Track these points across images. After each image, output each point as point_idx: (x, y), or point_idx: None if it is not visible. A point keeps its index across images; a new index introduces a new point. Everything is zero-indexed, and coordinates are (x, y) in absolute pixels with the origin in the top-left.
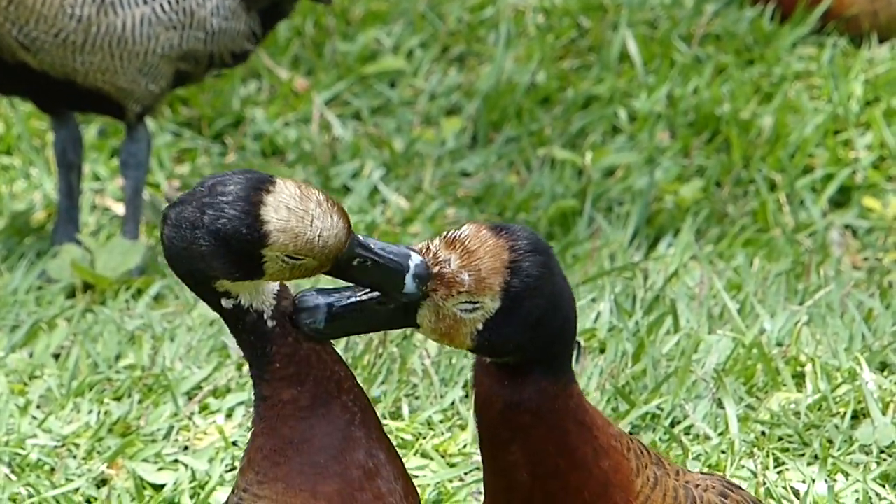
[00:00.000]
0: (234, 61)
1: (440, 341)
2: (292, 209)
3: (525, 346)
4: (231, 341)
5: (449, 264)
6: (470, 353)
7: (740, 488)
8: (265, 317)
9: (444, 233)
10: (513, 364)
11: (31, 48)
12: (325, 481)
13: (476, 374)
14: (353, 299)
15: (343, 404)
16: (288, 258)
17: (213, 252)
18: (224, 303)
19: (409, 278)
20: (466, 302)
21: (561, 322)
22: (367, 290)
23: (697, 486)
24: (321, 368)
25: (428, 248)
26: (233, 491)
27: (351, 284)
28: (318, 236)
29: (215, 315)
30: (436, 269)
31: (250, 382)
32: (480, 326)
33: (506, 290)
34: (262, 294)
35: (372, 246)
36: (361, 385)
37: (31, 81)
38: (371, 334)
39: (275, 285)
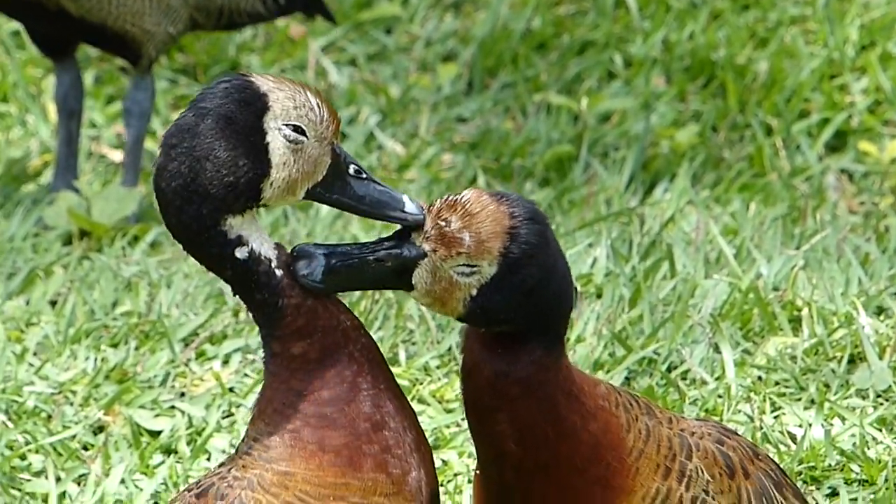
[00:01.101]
0: (247, 20)
1: (432, 307)
2: (278, 79)
3: (516, 317)
4: (228, 287)
5: (450, 224)
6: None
7: (737, 434)
8: (273, 266)
9: (446, 196)
10: (509, 334)
11: None
12: (333, 434)
13: (465, 340)
14: (352, 259)
15: (350, 354)
16: (290, 132)
17: (218, 143)
18: (238, 253)
19: (408, 200)
20: (464, 265)
21: (553, 294)
22: (367, 248)
23: (693, 433)
24: (328, 319)
25: (430, 208)
26: (243, 440)
27: (350, 243)
28: (309, 100)
29: None
30: (437, 228)
31: (247, 329)
32: (475, 292)
33: (504, 256)
34: (264, 238)
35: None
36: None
37: (65, 26)
38: None
39: (270, 240)
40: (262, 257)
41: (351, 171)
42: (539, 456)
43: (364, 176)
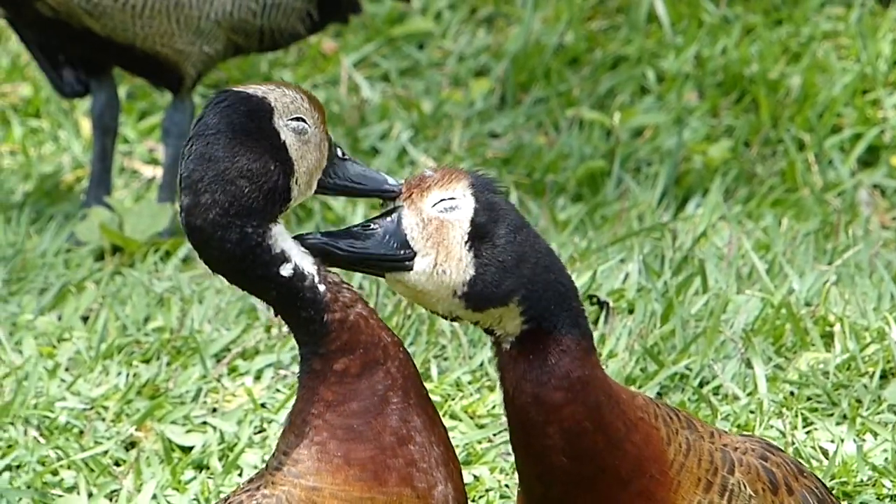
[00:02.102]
0: (289, 39)
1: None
2: (259, 84)
3: (518, 288)
4: (260, 303)
5: (422, 174)
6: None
7: (781, 450)
8: (316, 282)
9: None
10: (537, 339)
11: (95, 13)
12: (358, 447)
13: (501, 368)
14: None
15: (386, 370)
16: (295, 124)
17: (245, 157)
18: (283, 270)
19: (386, 176)
20: (441, 200)
21: (543, 270)
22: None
23: (736, 448)
24: (370, 335)
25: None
26: (273, 454)
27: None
28: (294, 94)
29: None
30: (407, 185)
31: (278, 345)
32: (467, 236)
33: (473, 187)
34: (302, 252)
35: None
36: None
37: (93, 46)
38: (400, 297)
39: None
40: (306, 272)
41: (339, 153)
42: (586, 467)
43: (347, 157)
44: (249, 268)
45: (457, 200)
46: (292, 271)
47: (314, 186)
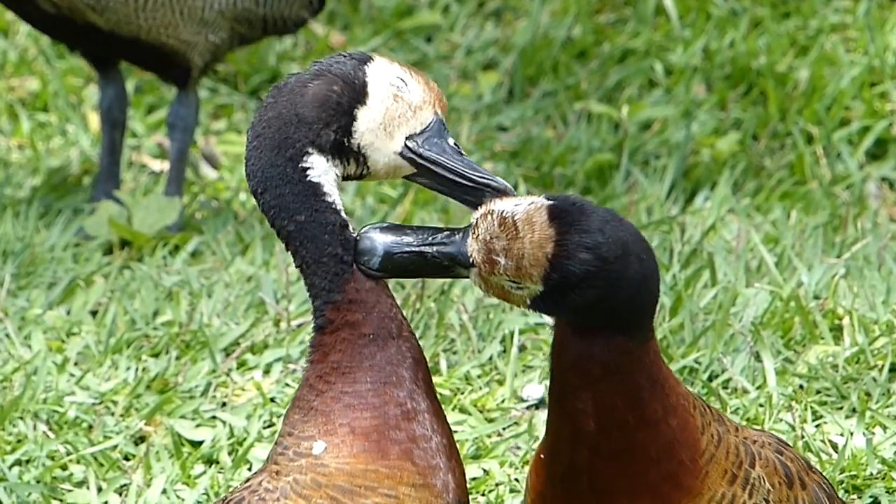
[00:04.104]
0: (292, 26)
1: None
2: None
3: (582, 319)
4: (269, 297)
5: (494, 242)
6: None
7: (790, 446)
8: (350, 226)
9: (505, 206)
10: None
11: (97, 8)
12: (363, 415)
13: (557, 321)
14: (410, 248)
15: (399, 347)
16: (393, 77)
17: (313, 81)
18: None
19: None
20: (510, 281)
21: (624, 300)
22: (426, 239)
23: (755, 441)
24: (387, 305)
25: (488, 213)
26: (275, 443)
27: (416, 227)
28: (404, 70)
29: (252, 271)
30: (484, 241)
31: (287, 339)
32: (529, 301)
33: (545, 281)
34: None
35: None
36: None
37: (99, 39)
38: (409, 289)
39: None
40: (341, 210)
41: (451, 141)
42: (615, 440)
43: (460, 148)
44: (288, 181)
45: (525, 286)
46: (333, 199)
47: (398, 140)
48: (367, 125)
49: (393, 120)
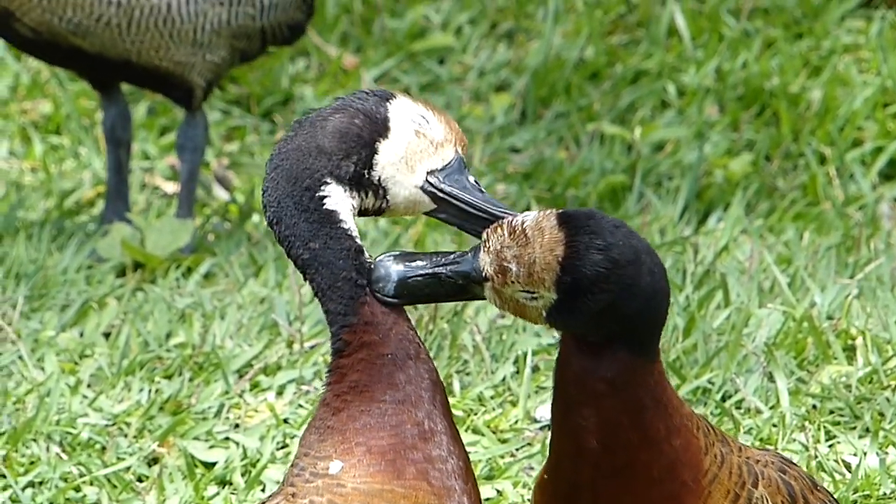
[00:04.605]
0: (290, 34)
1: (513, 314)
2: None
3: (597, 331)
4: (282, 318)
5: (504, 251)
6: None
7: (795, 464)
8: (365, 252)
9: (515, 218)
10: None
11: (78, 32)
12: (380, 434)
13: (563, 335)
14: (424, 271)
15: (416, 368)
16: (415, 115)
17: (336, 114)
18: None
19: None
20: (523, 291)
21: (636, 310)
22: (439, 262)
23: (758, 461)
24: (403, 327)
25: (498, 227)
26: (291, 465)
27: (423, 253)
28: (427, 109)
29: (265, 292)
30: (495, 252)
31: (300, 360)
32: (545, 312)
33: (558, 285)
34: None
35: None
36: None
37: (89, 63)
38: (422, 311)
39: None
40: (355, 235)
41: (471, 179)
42: (618, 459)
43: (479, 185)
44: (306, 210)
45: (538, 294)
46: (348, 226)
47: (419, 174)
48: (389, 158)
49: (414, 154)
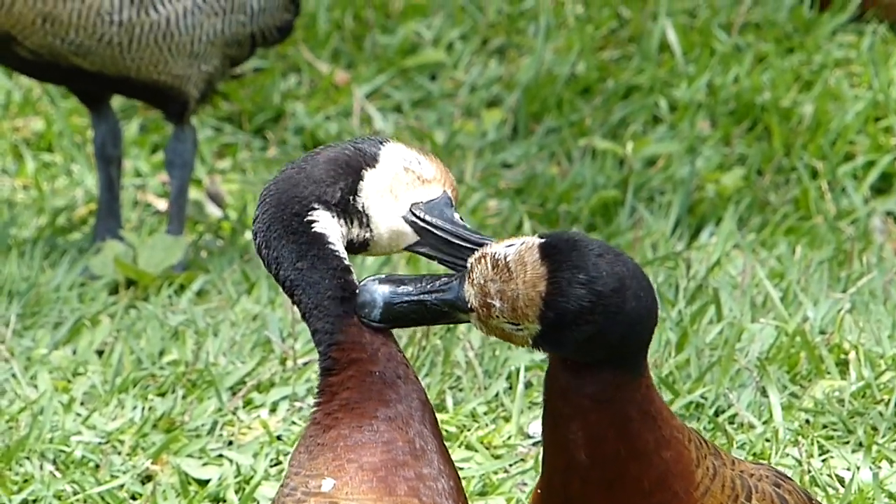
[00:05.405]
0: (280, 35)
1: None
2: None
3: (585, 355)
4: (275, 335)
5: (488, 285)
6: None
7: (790, 478)
8: (352, 271)
9: (498, 249)
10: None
11: (79, 53)
12: (371, 450)
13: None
14: (410, 297)
15: (407, 390)
16: (406, 155)
17: (327, 150)
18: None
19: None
20: (508, 323)
21: (620, 337)
22: (426, 287)
23: (752, 475)
24: (391, 347)
25: (482, 257)
26: (281, 484)
27: (410, 276)
28: (420, 155)
29: (258, 309)
30: (479, 285)
31: (294, 377)
32: (531, 341)
33: (542, 320)
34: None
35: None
36: None
37: (88, 81)
38: (415, 328)
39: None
40: (343, 256)
41: (457, 216)
42: (607, 472)
43: (466, 225)
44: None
45: (524, 326)
46: (336, 248)
47: (403, 203)
48: (374, 186)
49: (400, 185)
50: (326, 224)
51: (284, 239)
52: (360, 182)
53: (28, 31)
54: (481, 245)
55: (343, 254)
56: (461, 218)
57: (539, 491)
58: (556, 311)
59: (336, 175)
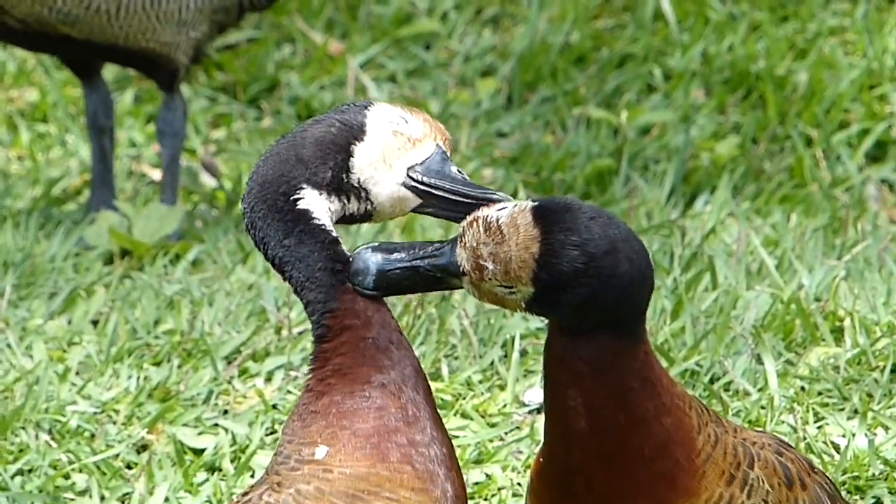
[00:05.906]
0: (266, 1)
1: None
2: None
3: (579, 318)
4: (270, 305)
5: (480, 247)
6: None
7: (791, 446)
8: (341, 242)
9: (490, 212)
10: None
11: (67, 22)
12: (364, 417)
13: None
14: (402, 263)
15: (400, 357)
16: (394, 116)
17: (314, 126)
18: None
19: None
20: (501, 286)
21: (614, 300)
22: (417, 253)
23: (755, 443)
24: (384, 315)
25: (474, 221)
26: (275, 454)
27: (402, 243)
28: (405, 112)
29: (253, 279)
30: (472, 248)
31: (289, 346)
32: (524, 304)
33: (535, 282)
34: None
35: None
36: None
37: (77, 49)
38: (410, 296)
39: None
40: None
41: (454, 168)
42: (608, 440)
43: (465, 176)
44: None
45: (517, 289)
46: (322, 222)
47: (399, 170)
48: (366, 159)
49: (392, 152)
50: (312, 201)
51: (269, 218)
52: (351, 159)
53: (16, 1)
54: (483, 199)
55: (330, 227)
56: (459, 170)
57: (541, 459)
58: (550, 273)
59: (324, 156)
